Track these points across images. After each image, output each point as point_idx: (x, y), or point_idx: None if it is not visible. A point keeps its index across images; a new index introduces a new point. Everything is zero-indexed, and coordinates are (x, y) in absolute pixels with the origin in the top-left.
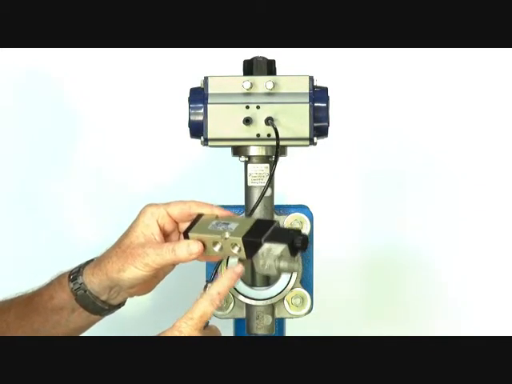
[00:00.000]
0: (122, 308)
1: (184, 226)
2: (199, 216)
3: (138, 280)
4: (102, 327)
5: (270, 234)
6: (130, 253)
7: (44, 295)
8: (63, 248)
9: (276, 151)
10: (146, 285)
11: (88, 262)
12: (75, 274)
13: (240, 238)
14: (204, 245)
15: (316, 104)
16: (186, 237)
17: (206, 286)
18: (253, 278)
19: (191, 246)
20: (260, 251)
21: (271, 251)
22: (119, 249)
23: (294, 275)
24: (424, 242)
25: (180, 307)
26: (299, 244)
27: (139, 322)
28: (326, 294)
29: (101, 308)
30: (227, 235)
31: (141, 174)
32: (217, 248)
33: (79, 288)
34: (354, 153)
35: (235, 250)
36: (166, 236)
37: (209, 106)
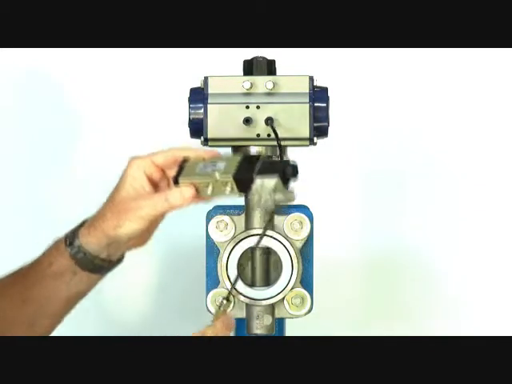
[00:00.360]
0: (123, 308)
1: (171, 172)
2: (185, 160)
3: (134, 234)
4: (103, 327)
5: (259, 168)
6: (123, 208)
7: (42, 263)
8: None
9: (280, 152)
10: (143, 236)
11: (82, 225)
12: (71, 238)
13: (231, 177)
14: (195, 189)
15: (316, 104)
16: (176, 183)
17: (221, 303)
18: (253, 278)
19: (184, 192)
20: (254, 187)
21: (264, 185)
22: (112, 204)
23: (294, 275)
24: (424, 242)
25: (180, 307)
26: (290, 173)
27: (139, 322)
28: (325, 294)
29: (101, 266)
30: (217, 176)
31: None
32: (209, 190)
33: (78, 251)
34: (354, 153)
35: (227, 189)
36: (154, 185)
37: (209, 105)
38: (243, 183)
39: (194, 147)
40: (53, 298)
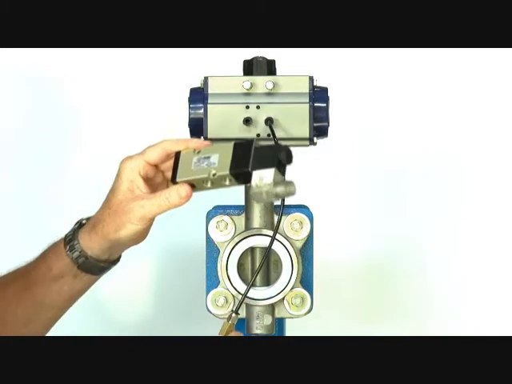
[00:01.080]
0: (122, 308)
1: (165, 165)
2: (178, 155)
3: (136, 234)
4: (103, 327)
5: (254, 158)
6: (122, 210)
7: (41, 267)
8: None
9: (273, 136)
10: (142, 234)
11: (80, 226)
12: (71, 243)
13: (228, 172)
14: (194, 185)
15: (316, 104)
16: (175, 183)
17: (230, 316)
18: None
19: (180, 191)
20: (253, 183)
21: (263, 179)
22: (110, 209)
23: (294, 275)
24: (424, 242)
25: (180, 307)
26: (285, 160)
27: (139, 322)
28: (325, 294)
29: (103, 268)
30: (213, 172)
31: None
32: (208, 184)
33: (80, 256)
34: (354, 153)
35: (227, 182)
36: (150, 182)
37: (209, 106)
38: (241, 177)
39: (183, 138)
40: (53, 299)
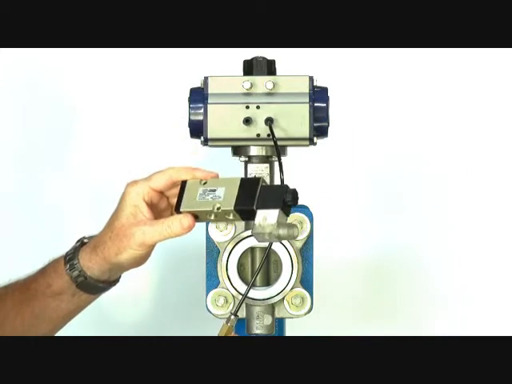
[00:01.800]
0: (123, 309)
1: (170, 192)
2: (184, 184)
3: (136, 259)
4: (102, 327)
5: (259, 196)
6: (124, 234)
7: (41, 283)
8: (62, 248)
9: (277, 154)
10: (141, 259)
11: (81, 245)
12: (71, 262)
13: (232, 208)
14: (197, 216)
15: (316, 104)
16: (178, 212)
17: (229, 318)
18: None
19: (182, 221)
20: (256, 222)
21: (267, 219)
22: (112, 233)
23: (294, 275)
24: (424, 242)
25: (180, 307)
26: (290, 201)
27: (139, 322)
28: (326, 294)
29: (102, 288)
30: (218, 206)
31: (140, 173)
32: (212, 217)
33: (79, 275)
34: (353, 153)
35: (230, 217)
36: (153, 208)
37: (209, 106)
38: (245, 214)
39: (191, 167)
40: (51, 314)
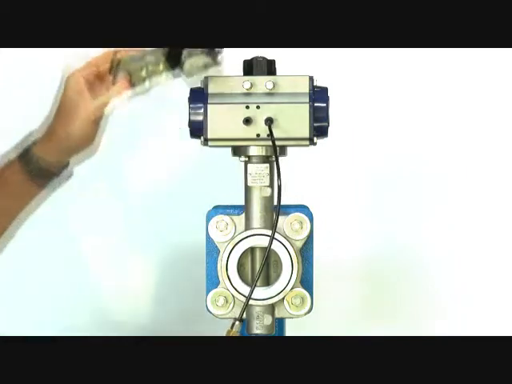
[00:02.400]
0: (123, 309)
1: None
2: (116, 56)
3: (84, 132)
4: (102, 327)
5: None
6: (70, 113)
7: None
8: (61, 247)
9: (275, 154)
10: (89, 137)
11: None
12: (25, 157)
13: (161, 56)
14: (131, 77)
15: (316, 104)
16: (114, 76)
17: (233, 324)
18: (253, 277)
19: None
20: (186, 67)
21: (194, 63)
22: (59, 115)
23: (294, 275)
24: (424, 242)
25: (180, 307)
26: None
27: (139, 322)
28: (326, 294)
29: (53, 173)
30: (148, 58)
31: (140, 173)
32: (143, 72)
33: (34, 167)
34: (353, 153)
35: (160, 67)
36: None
37: (209, 106)
38: (174, 57)
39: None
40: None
